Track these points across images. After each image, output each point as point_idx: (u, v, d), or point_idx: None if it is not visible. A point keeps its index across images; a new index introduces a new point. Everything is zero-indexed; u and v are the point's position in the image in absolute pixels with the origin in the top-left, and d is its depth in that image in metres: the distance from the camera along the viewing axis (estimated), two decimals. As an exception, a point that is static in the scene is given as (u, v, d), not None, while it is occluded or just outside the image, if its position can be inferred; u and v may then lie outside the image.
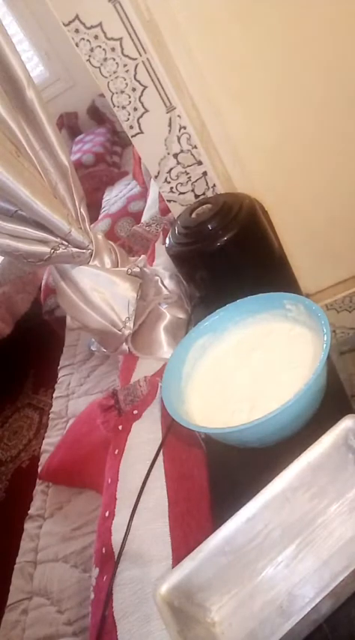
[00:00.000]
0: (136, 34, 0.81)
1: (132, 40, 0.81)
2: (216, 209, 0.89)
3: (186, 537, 0.68)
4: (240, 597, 0.58)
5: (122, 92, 0.87)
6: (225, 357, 0.80)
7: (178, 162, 0.95)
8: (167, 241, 0.95)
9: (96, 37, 0.81)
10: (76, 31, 0.80)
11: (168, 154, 0.94)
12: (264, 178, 0.97)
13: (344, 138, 0.92)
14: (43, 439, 1.52)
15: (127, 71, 0.84)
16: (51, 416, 1.59)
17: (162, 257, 1.23)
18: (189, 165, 0.96)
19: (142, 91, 0.87)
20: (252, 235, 0.91)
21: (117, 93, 0.87)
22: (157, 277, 1.12)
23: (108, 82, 0.86)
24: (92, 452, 1.07)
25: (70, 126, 3.58)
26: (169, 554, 0.66)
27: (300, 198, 1.00)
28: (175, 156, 0.94)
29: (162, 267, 1.18)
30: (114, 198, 2.77)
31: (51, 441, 1.47)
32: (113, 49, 0.82)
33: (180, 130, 0.91)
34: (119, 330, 1.03)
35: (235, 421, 0.64)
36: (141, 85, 0.86)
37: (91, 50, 0.82)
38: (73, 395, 1.61)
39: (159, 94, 0.87)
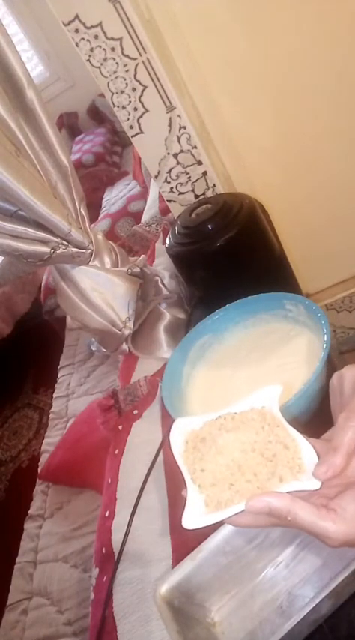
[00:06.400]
0: (136, 34, 0.81)
1: (132, 40, 0.81)
2: (216, 209, 0.89)
3: (186, 537, 0.68)
4: (240, 597, 0.58)
5: (122, 92, 0.87)
6: (225, 357, 0.80)
7: (178, 162, 0.95)
8: (167, 241, 0.95)
9: (96, 37, 0.81)
10: (76, 31, 0.80)
11: (168, 153, 0.94)
12: (264, 178, 0.97)
13: (343, 138, 0.92)
14: (43, 439, 1.52)
15: (127, 71, 0.84)
16: (51, 416, 1.59)
17: (162, 257, 1.24)
18: (189, 165, 0.96)
19: (142, 91, 0.87)
20: (252, 235, 0.91)
21: (117, 93, 0.87)
22: (157, 277, 1.12)
23: (108, 82, 0.86)
24: (92, 452, 1.07)
25: (70, 126, 3.58)
26: (169, 554, 0.66)
27: (300, 198, 1.01)
28: (175, 156, 0.94)
29: (162, 267, 1.18)
30: (114, 198, 2.77)
31: (51, 441, 1.47)
32: (113, 49, 0.82)
33: (180, 130, 0.91)
34: (119, 330, 1.03)
35: (235, 421, 0.63)
36: (141, 85, 0.86)
37: (91, 50, 0.82)
38: (73, 395, 1.61)
39: (159, 94, 0.87)
